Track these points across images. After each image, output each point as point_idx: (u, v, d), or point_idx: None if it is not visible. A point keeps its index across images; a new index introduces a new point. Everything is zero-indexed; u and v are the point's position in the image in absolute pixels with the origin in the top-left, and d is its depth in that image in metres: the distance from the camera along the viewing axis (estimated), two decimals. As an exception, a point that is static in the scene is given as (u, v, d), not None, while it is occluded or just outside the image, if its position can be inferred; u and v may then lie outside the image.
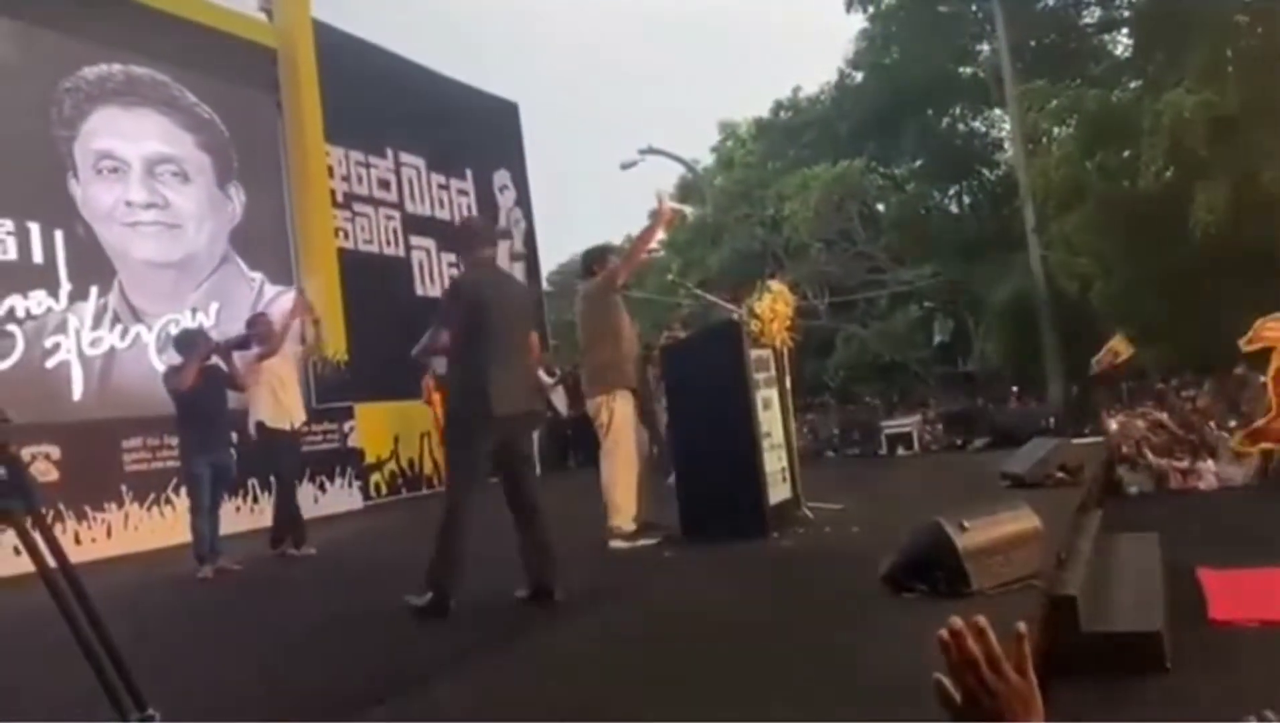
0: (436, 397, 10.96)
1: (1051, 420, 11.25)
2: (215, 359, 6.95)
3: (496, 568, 4.53)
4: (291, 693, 3.55)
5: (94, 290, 9.55)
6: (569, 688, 3.13)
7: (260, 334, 7.23)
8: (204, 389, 6.67)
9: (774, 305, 6.06)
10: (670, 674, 3.20)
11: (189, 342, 6.96)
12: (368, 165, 13.07)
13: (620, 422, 5.91)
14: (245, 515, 9.16)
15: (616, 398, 5.92)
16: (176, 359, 6.95)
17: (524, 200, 16.48)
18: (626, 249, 6.19)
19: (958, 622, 1.10)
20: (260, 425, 7.04)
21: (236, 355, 7.13)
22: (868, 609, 3.70)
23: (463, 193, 14.90)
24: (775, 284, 6.26)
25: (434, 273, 13.95)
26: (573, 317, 6.62)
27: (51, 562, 2.20)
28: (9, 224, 8.99)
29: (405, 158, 13.75)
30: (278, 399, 7.11)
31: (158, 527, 8.86)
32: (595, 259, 6.50)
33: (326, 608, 5.07)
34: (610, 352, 6.02)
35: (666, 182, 28.57)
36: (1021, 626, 1.12)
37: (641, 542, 5.76)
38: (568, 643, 3.78)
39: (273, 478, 7.74)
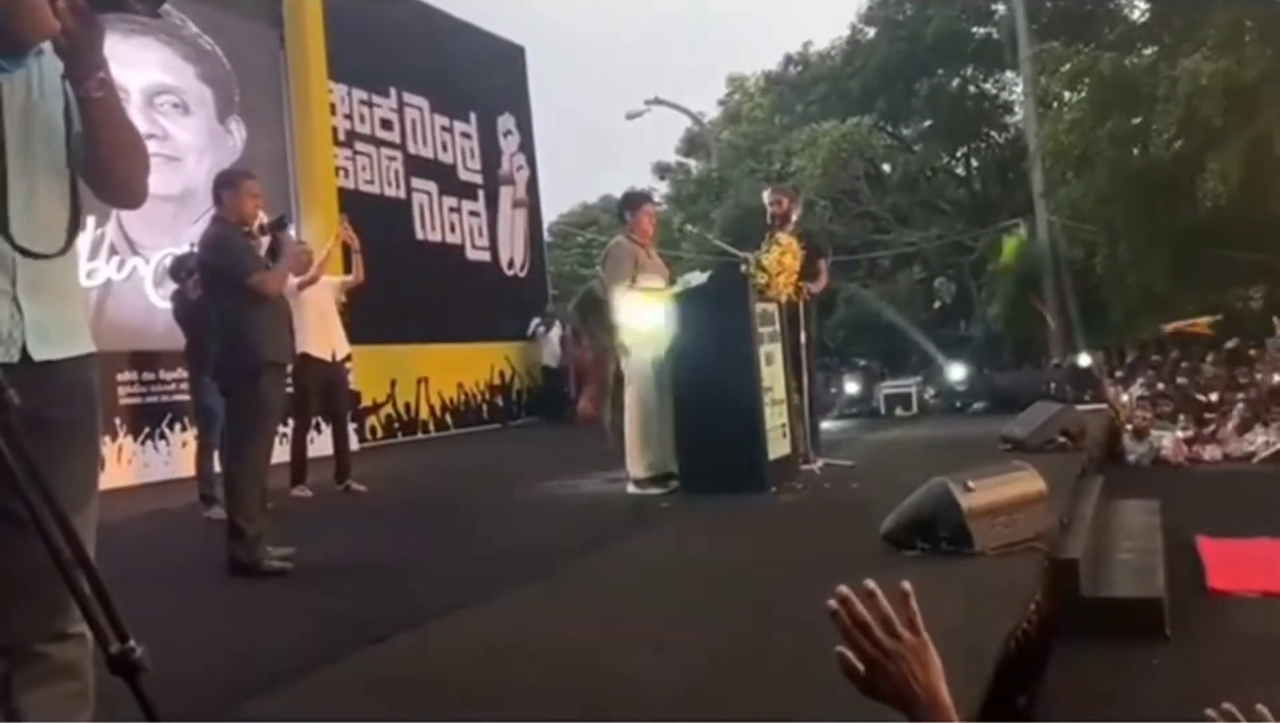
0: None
1: (1052, 385, 11.17)
2: None
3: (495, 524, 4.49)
4: (289, 628, 3.54)
5: (91, 221, 9.40)
6: (551, 635, 3.11)
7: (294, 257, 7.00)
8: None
9: (781, 259, 5.93)
10: (656, 624, 3.17)
11: (184, 266, 6.61)
12: (371, 104, 12.85)
13: (633, 376, 5.99)
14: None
15: (632, 354, 6.00)
16: (174, 287, 6.80)
17: (528, 147, 16.25)
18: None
19: (845, 589, 1.16)
20: (305, 356, 6.70)
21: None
22: (865, 566, 3.66)
23: (466, 136, 14.67)
24: (784, 236, 6.13)
25: (435, 217, 13.79)
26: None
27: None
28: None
29: (409, 98, 13.51)
30: (319, 328, 7.00)
31: (151, 461, 8.85)
32: (627, 205, 6.41)
33: (336, 546, 5.08)
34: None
35: (672, 133, 28.37)
36: (906, 585, 1.17)
37: (652, 490, 5.84)
38: (549, 590, 3.76)
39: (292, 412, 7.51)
